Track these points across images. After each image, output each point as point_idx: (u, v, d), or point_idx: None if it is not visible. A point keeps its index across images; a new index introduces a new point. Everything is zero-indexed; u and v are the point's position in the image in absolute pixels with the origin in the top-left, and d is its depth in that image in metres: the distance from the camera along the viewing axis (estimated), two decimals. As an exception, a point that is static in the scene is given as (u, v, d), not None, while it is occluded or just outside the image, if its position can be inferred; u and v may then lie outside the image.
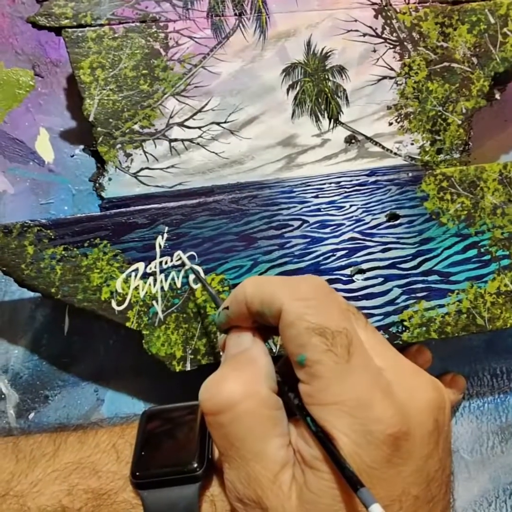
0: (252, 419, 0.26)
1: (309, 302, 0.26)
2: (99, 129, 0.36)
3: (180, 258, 0.35)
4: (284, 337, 0.26)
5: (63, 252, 0.34)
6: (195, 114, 0.37)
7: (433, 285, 0.37)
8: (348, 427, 0.24)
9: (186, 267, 0.35)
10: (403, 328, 0.37)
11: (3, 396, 0.38)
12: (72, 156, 0.40)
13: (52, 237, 0.34)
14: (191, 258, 0.36)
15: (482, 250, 0.38)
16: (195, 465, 0.29)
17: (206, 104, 0.37)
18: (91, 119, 0.36)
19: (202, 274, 0.35)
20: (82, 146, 0.40)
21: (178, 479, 0.29)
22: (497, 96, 0.41)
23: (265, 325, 0.29)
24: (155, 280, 0.35)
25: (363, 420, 0.24)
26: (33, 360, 0.39)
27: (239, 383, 0.26)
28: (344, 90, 0.39)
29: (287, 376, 0.27)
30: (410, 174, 0.38)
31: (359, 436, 0.24)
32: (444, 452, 0.27)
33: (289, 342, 0.26)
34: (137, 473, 0.29)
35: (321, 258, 0.37)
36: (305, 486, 0.25)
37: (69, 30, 0.35)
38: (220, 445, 0.27)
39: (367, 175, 0.39)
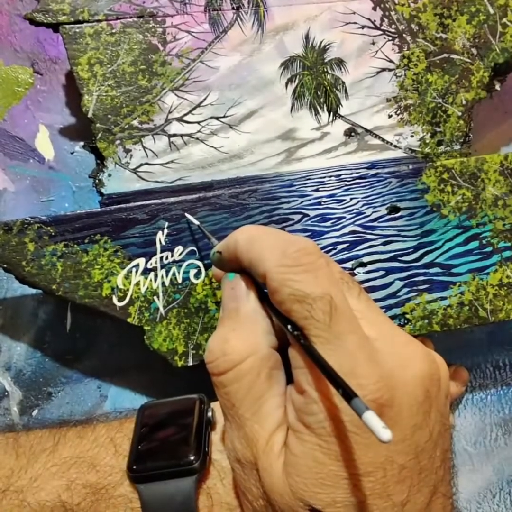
0: (251, 379, 0.26)
1: (294, 268, 0.26)
2: (98, 125, 0.36)
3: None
4: (272, 301, 0.27)
5: (63, 249, 0.34)
6: (194, 109, 0.37)
7: (435, 278, 0.37)
8: (330, 393, 0.24)
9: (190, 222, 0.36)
10: (405, 321, 0.37)
11: (6, 393, 0.39)
12: (72, 153, 0.40)
13: (53, 233, 0.34)
14: (191, 253, 0.36)
15: (484, 242, 0.38)
16: (192, 458, 0.29)
17: (205, 99, 0.37)
18: (89, 115, 0.36)
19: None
20: (82, 143, 0.40)
21: (175, 472, 0.29)
22: (497, 87, 0.41)
23: None
24: (156, 276, 0.35)
25: None
26: (36, 357, 0.39)
27: (241, 343, 0.27)
28: (343, 83, 0.39)
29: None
30: (410, 167, 0.38)
31: (340, 402, 0.24)
32: (437, 425, 0.26)
33: (277, 306, 0.26)
34: (134, 467, 0.29)
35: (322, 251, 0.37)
36: (288, 448, 0.25)
37: (67, 26, 0.35)
38: (223, 405, 0.27)
39: (367, 168, 0.39)
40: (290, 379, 0.27)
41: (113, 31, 0.36)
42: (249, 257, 0.28)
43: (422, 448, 0.25)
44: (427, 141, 0.39)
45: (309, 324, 0.25)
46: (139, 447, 0.30)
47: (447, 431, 0.27)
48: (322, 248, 0.37)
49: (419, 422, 0.25)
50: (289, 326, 0.26)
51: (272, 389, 0.27)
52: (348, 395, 0.22)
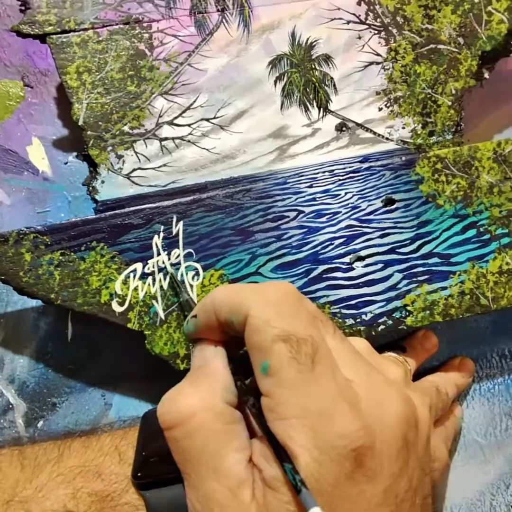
0: (206, 434, 0.25)
1: (276, 308, 0.26)
2: (89, 132, 0.36)
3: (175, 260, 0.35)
4: (249, 344, 0.26)
5: (60, 257, 0.34)
6: (184, 111, 0.37)
7: (434, 268, 0.37)
8: (310, 443, 0.23)
9: (169, 271, 0.35)
10: (407, 313, 0.37)
11: (11, 406, 0.38)
12: (66, 163, 0.40)
13: (49, 242, 0.34)
14: (189, 255, 0.36)
15: (482, 229, 0.38)
16: None
17: (194, 101, 0.37)
18: (80, 123, 0.36)
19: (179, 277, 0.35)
20: (75, 153, 0.40)
21: (180, 477, 0.28)
22: (486, 75, 0.41)
23: (234, 339, 0.28)
24: (154, 280, 0.35)
25: (326, 435, 0.23)
26: (38, 368, 0.39)
27: (194, 397, 0.26)
28: (332, 78, 0.39)
29: (253, 388, 0.27)
30: (403, 158, 0.38)
31: (321, 452, 0.23)
32: (416, 471, 0.26)
33: (254, 349, 0.25)
34: (139, 474, 0.29)
35: (319, 247, 0.37)
36: (264, 507, 0.24)
37: (54, 36, 0.35)
38: (178, 461, 0.26)
39: (360, 161, 0.39)
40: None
41: (100, 38, 0.36)
42: (229, 305, 0.27)
43: (402, 498, 0.24)
44: (419, 132, 0.39)
45: (291, 367, 0.24)
46: (144, 453, 0.30)
47: (426, 476, 0.27)
48: (319, 244, 0.37)
49: (397, 470, 0.25)
50: (253, 409, 0.26)
51: (231, 444, 0.25)
52: (298, 486, 0.22)
